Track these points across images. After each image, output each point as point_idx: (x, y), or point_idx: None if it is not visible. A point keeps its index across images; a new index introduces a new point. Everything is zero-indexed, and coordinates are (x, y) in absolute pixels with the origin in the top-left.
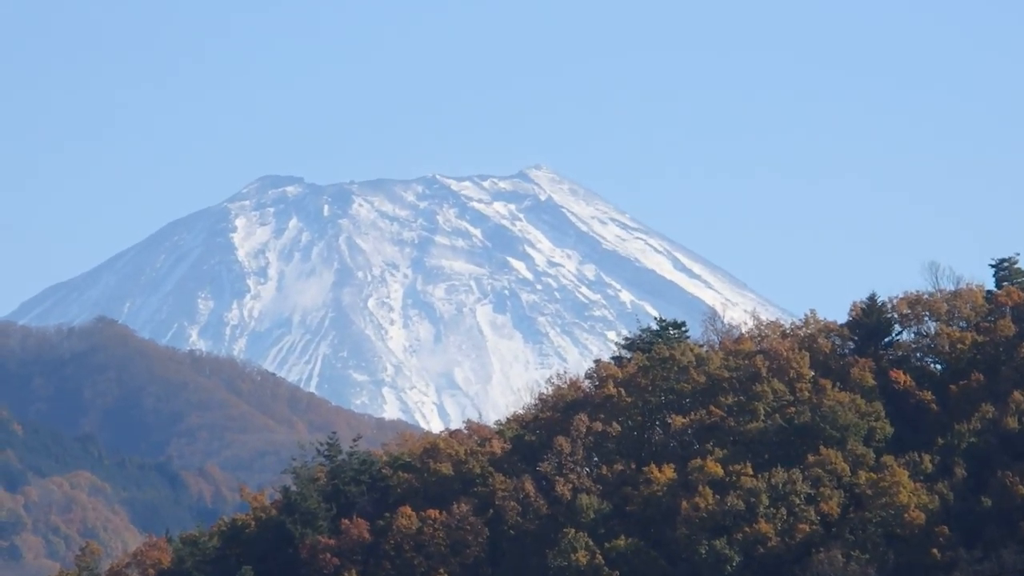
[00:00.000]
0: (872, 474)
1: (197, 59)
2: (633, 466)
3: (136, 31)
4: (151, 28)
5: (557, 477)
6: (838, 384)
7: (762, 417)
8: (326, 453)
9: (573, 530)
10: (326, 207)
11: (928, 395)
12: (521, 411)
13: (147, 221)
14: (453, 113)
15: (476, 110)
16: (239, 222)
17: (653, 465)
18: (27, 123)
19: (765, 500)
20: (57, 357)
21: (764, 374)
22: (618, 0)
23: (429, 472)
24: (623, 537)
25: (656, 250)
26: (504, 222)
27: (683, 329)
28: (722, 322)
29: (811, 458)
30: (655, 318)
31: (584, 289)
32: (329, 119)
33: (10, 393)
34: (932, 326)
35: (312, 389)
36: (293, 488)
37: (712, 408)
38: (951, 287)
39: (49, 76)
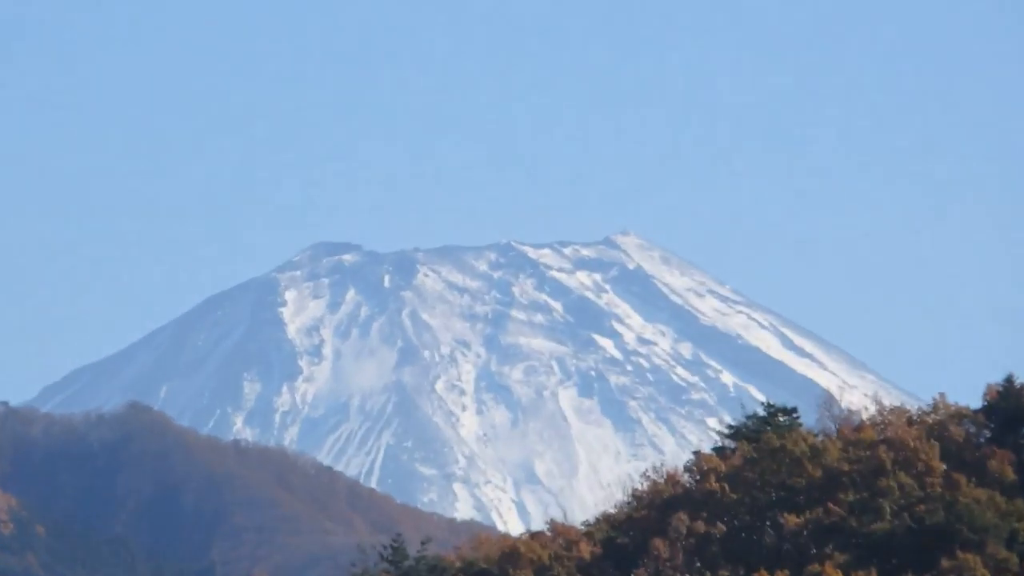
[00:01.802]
0: None
1: (238, 117)
2: (741, 572)
3: (174, 84)
4: (189, 81)
5: None
6: (974, 479)
7: (888, 516)
8: (390, 558)
9: None
10: (387, 277)
11: None
12: (612, 509)
13: (186, 295)
14: (529, 173)
15: (554, 169)
16: (289, 295)
17: (764, 571)
18: (55, 185)
19: None
20: (85, 448)
21: (889, 467)
22: (718, 51)
23: None
24: None
25: (761, 325)
26: (588, 294)
27: (795, 415)
28: (839, 407)
29: (946, 563)
30: (762, 403)
31: (680, 370)
32: (390, 180)
33: (32, 489)
34: None
35: (373, 484)
36: None
37: (831, 506)
38: None
39: (86, 142)
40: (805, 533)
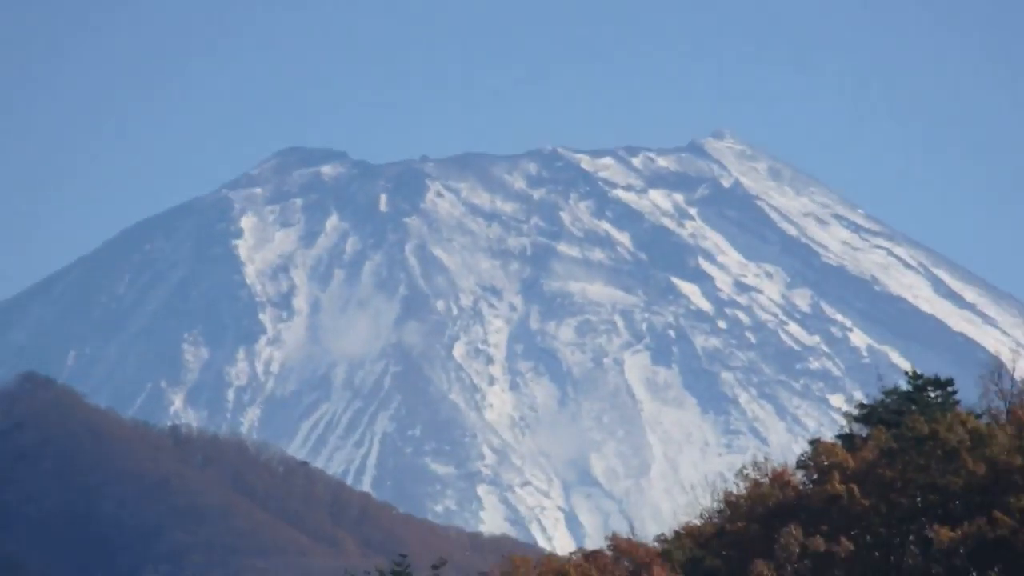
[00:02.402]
0: None
1: None
2: None
3: None
4: None
5: None
6: None
7: None
8: None
9: None
10: (384, 198)
11: None
12: (697, 520)
13: (100, 223)
14: (581, 54)
15: (618, 45)
16: (247, 221)
17: None
18: None
19: None
20: None
21: None
22: None
23: None
24: None
25: (907, 265)
26: (666, 221)
27: (951, 390)
28: (1012, 379)
29: None
30: (906, 373)
31: (794, 327)
32: (390, 63)
33: None
34: None
35: (366, 487)
36: None
37: (997, 514)
38: None
39: None
40: (962, 551)
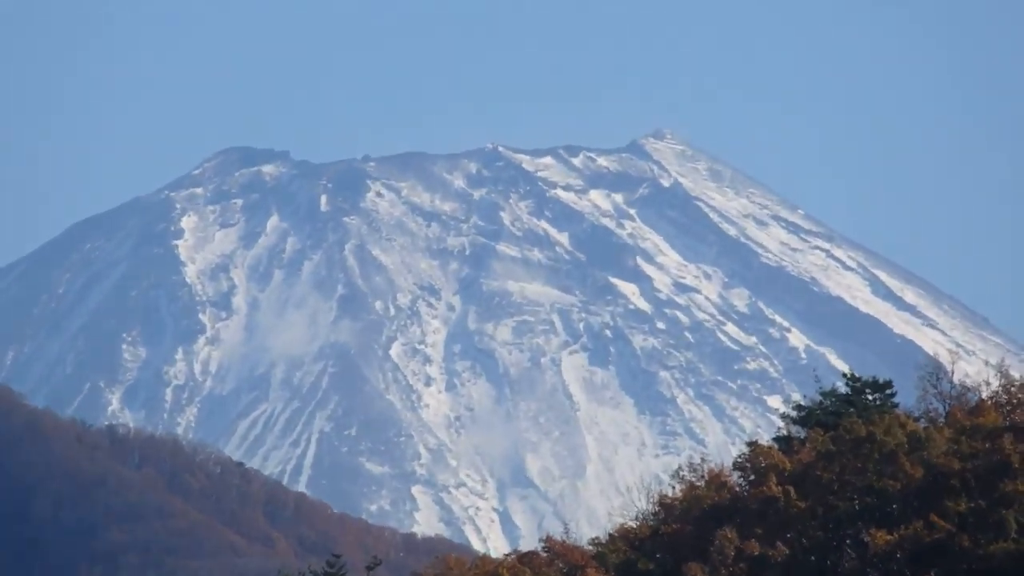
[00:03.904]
0: None
1: None
2: None
3: None
4: None
5: None
6: None
7: (1013, 532)
8: None
9: None
10: (324, 198)
11: None
12: (632, 523)
13: (41, 222)
14: (521, 52)
15: (558, 45)
16: (187, 222)
17: None
18: None
19: None
20: None
21: (1017, 465)
22: None
23: None
24: None
25: (846, 266)
26: (606, 222)
27: (889, 392)
28: (950, 381)
29: None
30: (844, 374)
31: (732, 327)
32: (328, 62)
33: None
34: None
35: (302, 487)
36: None
37: (935, 518)
38: None
39: None
40: (899, 555)
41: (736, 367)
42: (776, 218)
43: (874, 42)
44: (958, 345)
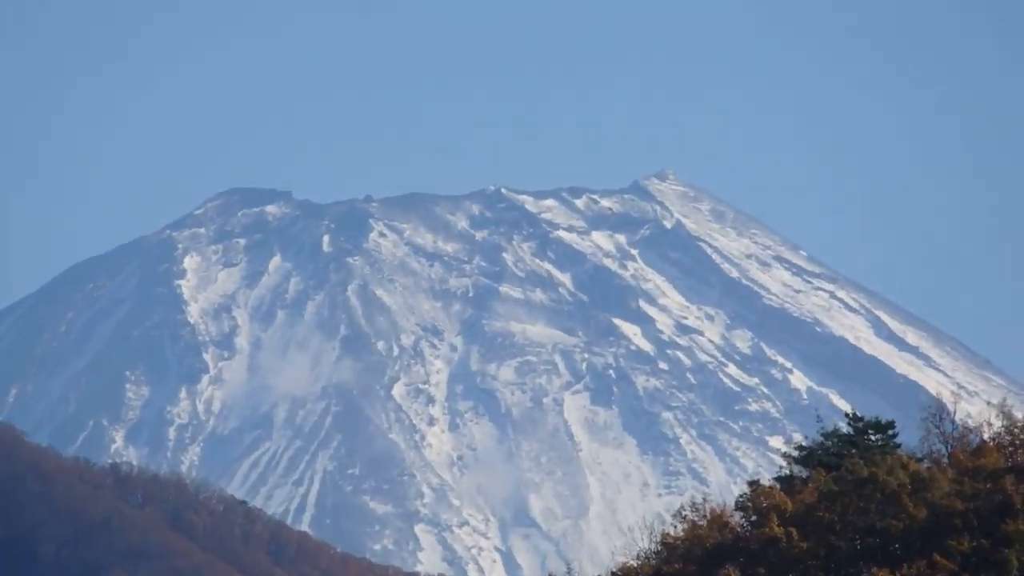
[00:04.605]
0: None
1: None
2: None
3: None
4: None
5: None
6: None
7: (1016, 572)
8: None
9: None
10: (327, 238)
11: None
12: (634, 562)
13: (44, 261)
14: (526, 94)
15: (562, 88)
16: (190, 262)
17: None
18: None
19: None
20: None
21: (1019, 505)
22: None
23: None
24: None
25: (849, 307)
26: (608, 263)
27: (891, 433)
28: (952, 422)
29: None
30: (846, 415)
31: (734, 368)
32: (332, 104)
33: None
34: None
35: (305, 527)
36: None
37: (938, 558)
38: None
39: None
40: None
41: (738, 408)
42: (779, 259)
43: (876, 83)
44: (960, 386)
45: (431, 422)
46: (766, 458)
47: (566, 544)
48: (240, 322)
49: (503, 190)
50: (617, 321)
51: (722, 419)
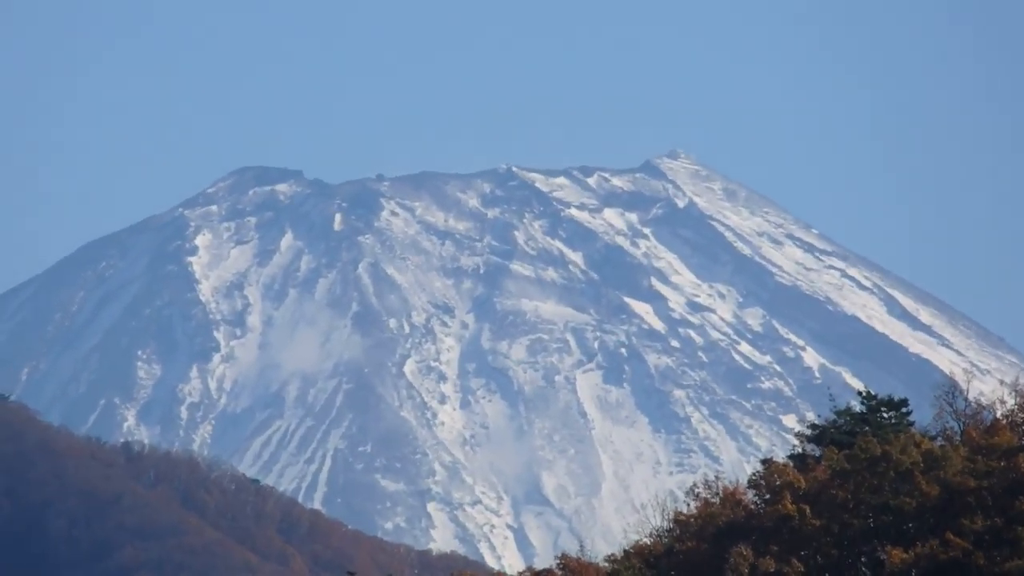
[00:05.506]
0: None
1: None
2: None
3: None
4: None
5: None
6: None
7: None
8: None
9: None
10: (339, 216)
11: None
12: (647, 540)
13: (55, 241)
14: (537, 73)
15: (574, 66)
16: (201, 240)
17: None
18: None
19: None
20: None
21: None
22: None
23: None
24: None
25: (861, 285)
26: (620, 240)
27: (904, 411)
28: (965, 400)
29: None
30: (859, 393)
31: (746, 347)
32: (343, 83)
33: None
34: None
35: (317, 505)
36: None
37: (950, 536)
38: None
39: None
40: (914, 573)
41: (750, 386)
42: (791, 237)
43: (887, 60)
44: (973, 364)
45: (443, 400)
46: (779, 437)
47: (578, 522)
48: (251, 300)
49: (514, 168)
50: (629, 299)
51: (734, 397)
